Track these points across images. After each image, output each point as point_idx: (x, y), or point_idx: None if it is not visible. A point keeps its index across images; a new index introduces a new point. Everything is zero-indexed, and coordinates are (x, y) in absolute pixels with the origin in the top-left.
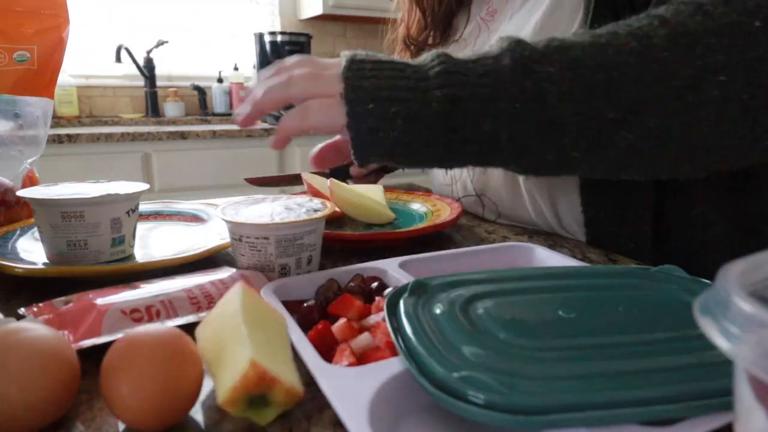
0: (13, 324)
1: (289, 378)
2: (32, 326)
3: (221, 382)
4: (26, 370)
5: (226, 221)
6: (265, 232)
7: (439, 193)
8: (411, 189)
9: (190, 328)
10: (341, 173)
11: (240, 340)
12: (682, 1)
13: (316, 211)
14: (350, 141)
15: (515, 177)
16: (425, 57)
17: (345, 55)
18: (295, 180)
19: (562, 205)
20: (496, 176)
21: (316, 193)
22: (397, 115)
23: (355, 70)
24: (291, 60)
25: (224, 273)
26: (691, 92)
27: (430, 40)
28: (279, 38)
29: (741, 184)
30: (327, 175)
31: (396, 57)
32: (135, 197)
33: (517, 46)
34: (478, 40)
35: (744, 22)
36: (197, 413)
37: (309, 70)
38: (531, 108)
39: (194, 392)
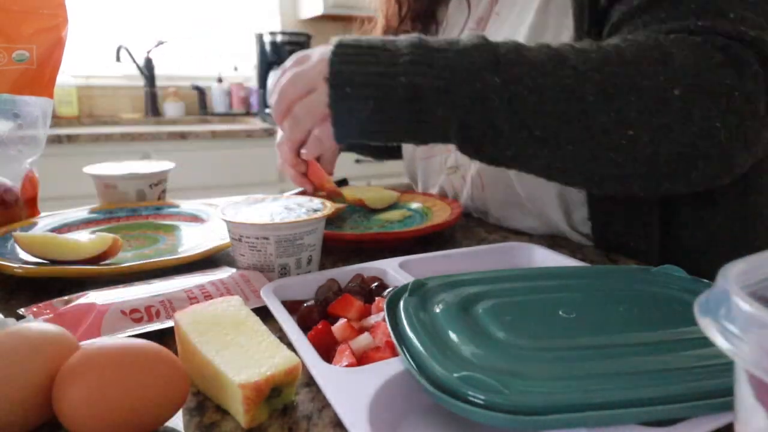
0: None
1: (285, 359)
2: (32, 325)
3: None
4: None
5: (226, 221)
6: (265, 232)
7: None
8: (411, 189)
9: None
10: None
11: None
12: (634, 41)
13: (316, 211)
14: (331, 119)
15: (517, 195)
16: (402, 41)
17: (333, 40)
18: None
19: (573, 214)
20: (497, 193)
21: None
22: (369, 97)
23: (340, 55)
24: (283, 71)
25: (224, 273)
26: (603, 135)
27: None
28: (279, 38)
29: (753, 186)
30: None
31: (377, 38)
32: (155, 176)
33: (476, 50)
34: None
35: (666, 89)
36: (196, 415)
37: (293, 73)
38: (476, 108)
39: (165, 403)
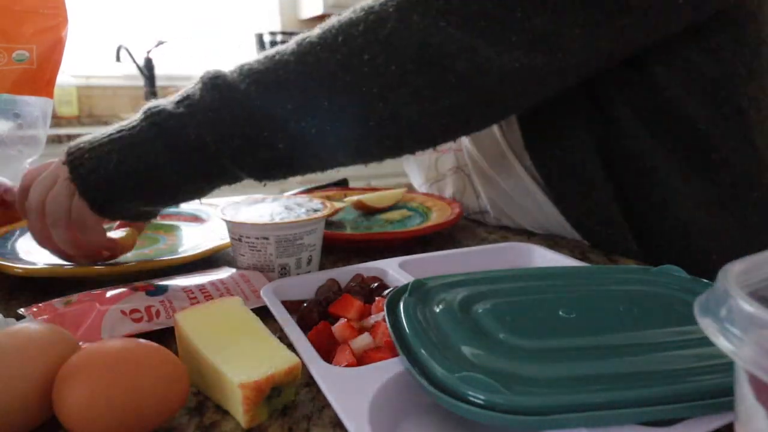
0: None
1: (285, 359)
2: (32, 325)
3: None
4: (17, 367)
5: (226, 221)
6: (265, 232)
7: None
8: (411, 189)
9: None
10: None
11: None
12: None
13: (316, 211)
14: (85, 200)
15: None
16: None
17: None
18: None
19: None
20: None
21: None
22: (112, 150)
23: (71, 145)
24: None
25: (224, 273)
26: (344, 73)
27: None
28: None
29: (700, 164)
30: None
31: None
32: None
33: (206, 72)
34: None
35: (381, 10)
36: (196, 415)
37: (35, 184)
38: (223, 110)
39: (165, 403)
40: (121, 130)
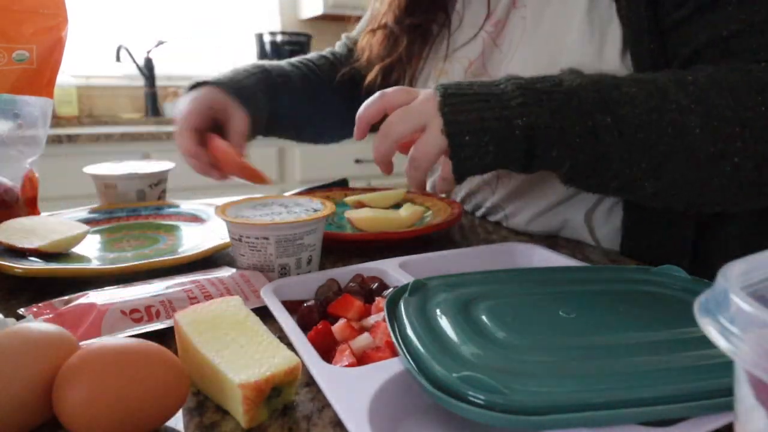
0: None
1: (285, 359)
2: (32, 325)
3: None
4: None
5: (226, 221)
6: (265, 232)
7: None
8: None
9: None
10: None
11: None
12: (728, 71)
13: (316, 211)
14: (452, 165)
15: (547, 190)
16: (504, 85)
17: (438, 88)
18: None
19: (599, 216)
20: (525, 186)
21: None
22: (489, 142)
23: (450, 105)
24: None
25: (224, 273)
26: (710, 164)
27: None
28: (279, 38)
29: None
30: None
31: (477, 82)
32: (155, 176)
33: (583, 89)
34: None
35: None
36: (196, 415)
37: (401, 110)
38: (588, 145)
39: (165, 403)
40: (497, 116)
